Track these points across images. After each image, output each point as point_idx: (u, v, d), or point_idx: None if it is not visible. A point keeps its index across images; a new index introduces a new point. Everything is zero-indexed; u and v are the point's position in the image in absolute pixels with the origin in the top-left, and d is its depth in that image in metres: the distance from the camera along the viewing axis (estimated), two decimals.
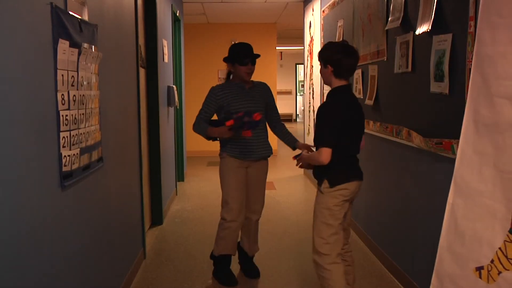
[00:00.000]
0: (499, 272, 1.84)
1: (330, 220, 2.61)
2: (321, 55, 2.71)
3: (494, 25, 1.82)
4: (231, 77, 3.42)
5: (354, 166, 2.71)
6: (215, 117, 3.41)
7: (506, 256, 1.82)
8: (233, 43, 3.40)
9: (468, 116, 1.98)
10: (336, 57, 2.61)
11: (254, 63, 3.29)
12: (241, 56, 3.25)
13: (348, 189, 2.63)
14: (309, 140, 6.94)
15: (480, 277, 1.91)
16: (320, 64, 2.73)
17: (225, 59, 3.33)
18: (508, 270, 1.81)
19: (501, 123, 1.82)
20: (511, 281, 1.80)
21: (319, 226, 2.64)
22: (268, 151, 3.41)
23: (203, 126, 3.31)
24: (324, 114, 2.62)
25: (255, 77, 3.41)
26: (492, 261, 1.87)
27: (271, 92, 3.47)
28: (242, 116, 3.11)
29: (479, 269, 1.92)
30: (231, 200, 3.31)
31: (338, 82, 2.66)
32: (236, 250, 3.47)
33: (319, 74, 6.11)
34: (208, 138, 3.37)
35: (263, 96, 3.39)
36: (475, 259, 1.93)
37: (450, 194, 2.06)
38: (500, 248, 1.84)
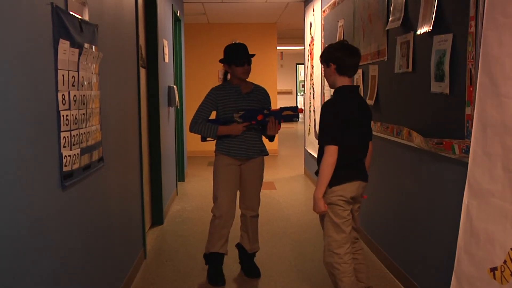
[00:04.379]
0: None
1: (334, 218, 2.66)
2: (322, 56, 2.76)
3: (499, 25, 1.80)
4: (228, 76, 3.44)
5: (354, 167, 2.71)
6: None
7: None
8: (233, 43, 3.41)
9: (476, 117, 1.98)
10: (337, 54, 2.68)
11: (250, 63, 3.34)
12: (237, 57, 3.29)
13: (346, 189, 2.64)
14: (310, 140, 6.94)
15: (494, 278, 1.90)
16: (323, 66, 2.76)
17: (221, 61, 3.37)
18: None
19: (508, 124, 1.81)
20: None
21: (327, 225, 2.70)
22: (260, 151, 3.42)
23: (208, 125, 3.30)
24: (327, 111, 2.66)
25: (256, 77, 3.43)
26: (504, 262, 1.85)
27: (269, 98, 3.51)
28: (280, 110, 3.28)
29: (493, 270, 1.91)
30: (220, 196, 3.36)
31: (342, 81, 2.69)
32: (226, 249, 3.46)
33: (320, 74, 6.14)
34: (204, 139, 3.38)
35: (260, 101, 3.42)
36: (489, 260, 1.92)
37: (465, 194, 2.06)
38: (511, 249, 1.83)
